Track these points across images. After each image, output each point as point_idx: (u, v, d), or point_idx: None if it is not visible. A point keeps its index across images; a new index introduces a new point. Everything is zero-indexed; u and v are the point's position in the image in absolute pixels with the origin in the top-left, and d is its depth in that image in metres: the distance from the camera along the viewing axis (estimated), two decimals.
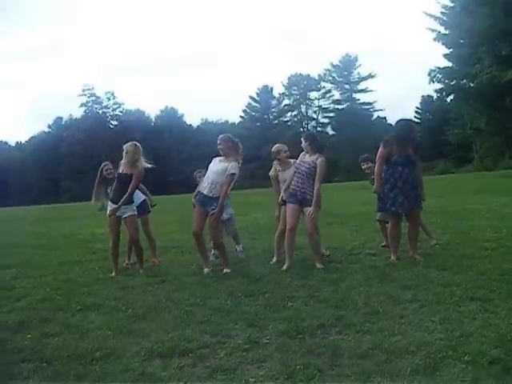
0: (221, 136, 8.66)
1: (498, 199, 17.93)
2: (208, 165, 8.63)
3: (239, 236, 10.24)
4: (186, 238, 11.24)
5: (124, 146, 8.71)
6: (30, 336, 5.52)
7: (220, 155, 8.57)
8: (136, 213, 8.92)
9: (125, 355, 4.83)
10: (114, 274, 8.64)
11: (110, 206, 8.72)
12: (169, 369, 4.48)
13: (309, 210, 8.30)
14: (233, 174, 8.34)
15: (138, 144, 8.77)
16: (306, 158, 8.52)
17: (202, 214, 8.46)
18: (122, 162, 8.73)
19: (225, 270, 8.39)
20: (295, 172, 8.50)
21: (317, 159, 8.41)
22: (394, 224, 8.54)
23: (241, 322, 5.58)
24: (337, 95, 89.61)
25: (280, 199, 8.83)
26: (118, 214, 8.65)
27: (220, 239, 8.87)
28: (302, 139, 8.66)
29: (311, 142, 8.61)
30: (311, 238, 8.48)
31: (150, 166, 8.76)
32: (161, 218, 17.24)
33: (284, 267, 8.31)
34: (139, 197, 9.38)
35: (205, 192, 8.37)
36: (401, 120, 8.73)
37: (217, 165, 8.46)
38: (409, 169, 8.30)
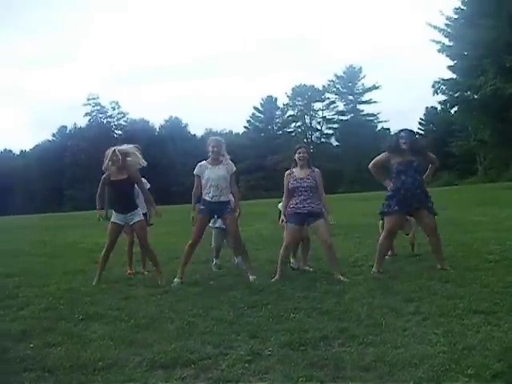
0: (215, 138, 8.79)
1: (503, 211, 17.91)
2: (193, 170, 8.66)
3: None
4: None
5: (112, 153, 8.48)
6: (32, 345, 5.51)
7: (204, 160, 8.65)
8: (143, 218, 8.85)
9: (127, 366, 4.82)
10: (96, 280, 8.71)
11: (117, 217, 8.66)
12: (171, 380, 4.47)
13: (321, 222, 8.31)
14: (235, 171, 8.63)
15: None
16: (298, 174, 8.44)
17: (204, 223, 8.56)
18: (112, 169, 8.56)
19: (251, 277, 8.41)
20: (295, 190, 8.37)
21: (313, 172, 8.44)
22: (389, 230, 8.50)
23: (243, 334, 5.57)
24: (341, 106, 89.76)
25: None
26: (124, 221, 8.66)
27: (242, 240, 8.86)
28: (302, 151, 8.56)
29: (309, 155, 8.68)
30: (330, 248, 8.41)
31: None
32: (163, 229, 17.25)
33: (273, 279, 8.32)
34: (143, 206, 9.32)
35: (215, 200, 8.42)
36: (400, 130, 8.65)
37: (216, 171, 8.45)
38: (413, 178, 8.22)
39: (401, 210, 8.30)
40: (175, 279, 8.46)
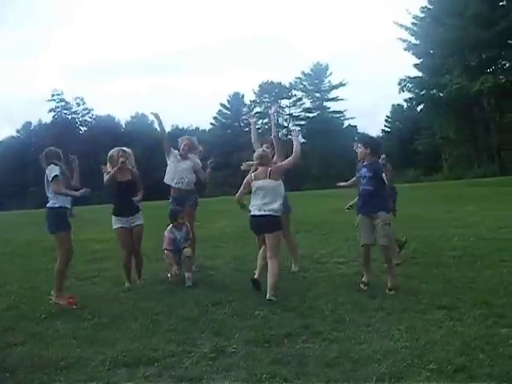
0: (188, 137, 9.26)
1: (466, 208, 18.14)
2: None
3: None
4: (152, 246, 11.18)
5: (121, 153, 8.25)
6: None
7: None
8: (143, 222, 8.44)
9: (90, 364, 4.80)
10: (127, 284, 8.28)
11: (121, 221, 8.22)
12: (134, 378, 4.46)
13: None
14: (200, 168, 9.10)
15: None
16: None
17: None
18: (116, 169, 8.18)
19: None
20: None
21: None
22: None
23: (207, 331, 5.58)
24: (307, 103, 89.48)
25: None
26: (127, 224, 8.24)
27: (194, 234, 9.01)
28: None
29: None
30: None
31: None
32: None
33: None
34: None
35: (183, 187, 8.84)
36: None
37: (182, 164, 8.92)
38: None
39: None
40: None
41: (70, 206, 7.84)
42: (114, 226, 8.32)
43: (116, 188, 8.29)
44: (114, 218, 8.32)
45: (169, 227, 8.39)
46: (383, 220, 7.28)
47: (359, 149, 7.66)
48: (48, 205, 7.66)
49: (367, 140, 8.00)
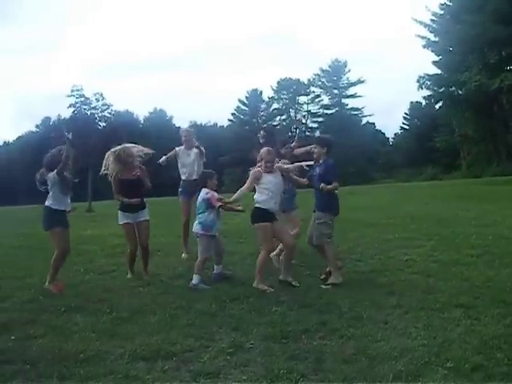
0: (186, 129, 10.27)
1: (485, 206, 17.99)
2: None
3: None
4: (171, 241, 11.23)
5: (123, 153, 8.34)
6: (13, 337, 5.51)
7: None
8: (148, 218, 8.63)
9: (109, 358, 4.85)
10: (130, 275, 8.55)
11: (128, 217, 8.37)
12: (152, 372, 4.50)
13: None
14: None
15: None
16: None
17: (189, 203, 9.52)
18: (120, 168, 8.31)
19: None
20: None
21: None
22: None
23: (225, 326, 5.61)
24: (326, 100, 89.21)
25: None
26: (133, 220, 8.40)
27: None
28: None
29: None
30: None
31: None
32: None
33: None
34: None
35: (193, 177, 9.74)
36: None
37: (191, 157, 10.00)
38: None
39: None
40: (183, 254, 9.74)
41: (66, 209, 8.02)
42: (121, 222, 8.54)
43: (124, 185, 8.36)
44: (120, 213, 8.51)
45: (204, 190, 8.16)
46: (318, 218, 7.68)
47: (316, 149, 8.11)
48: (45, 203, 7.98)
49: (324, 140, 8.47)
